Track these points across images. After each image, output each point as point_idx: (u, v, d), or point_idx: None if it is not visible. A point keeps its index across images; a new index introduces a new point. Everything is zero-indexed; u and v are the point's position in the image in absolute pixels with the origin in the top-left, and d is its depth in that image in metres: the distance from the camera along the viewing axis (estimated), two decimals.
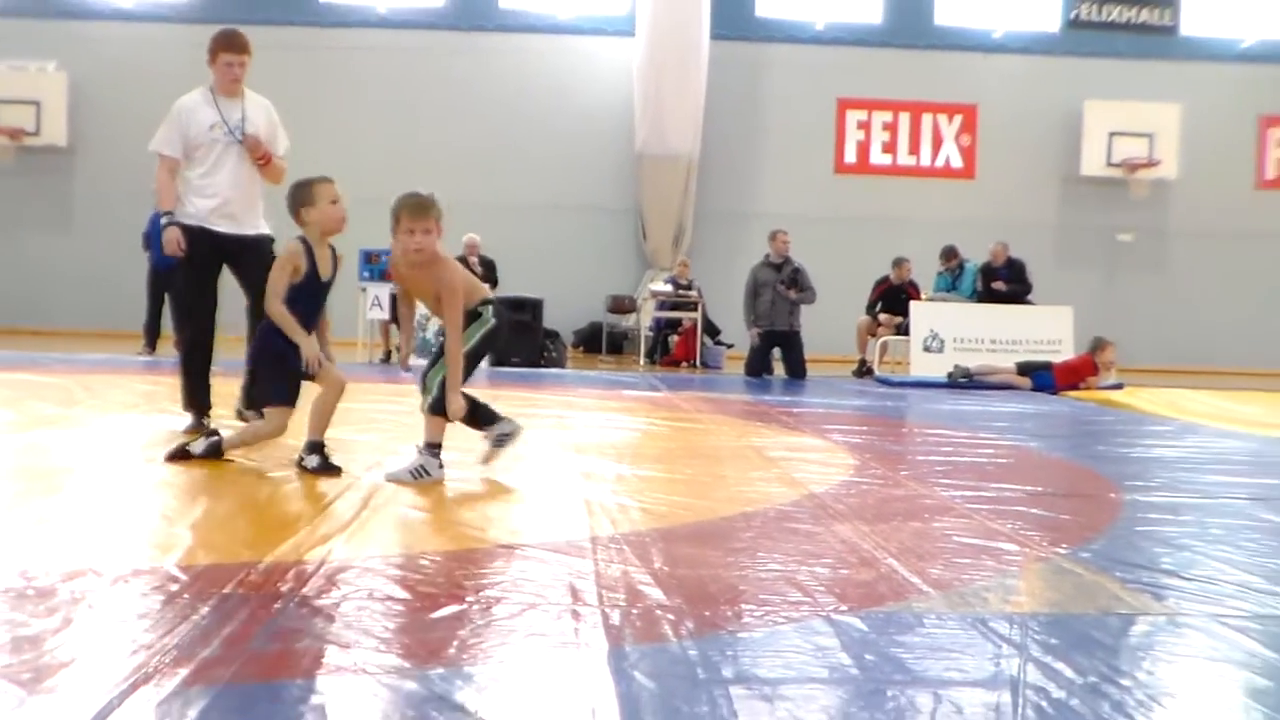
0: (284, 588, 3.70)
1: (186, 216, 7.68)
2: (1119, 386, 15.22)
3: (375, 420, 8.71)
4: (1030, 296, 18.00)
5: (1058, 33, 22.19)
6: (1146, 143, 21.58)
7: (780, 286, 16.25)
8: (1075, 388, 14.98)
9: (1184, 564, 4.68)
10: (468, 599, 3.68)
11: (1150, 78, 21.93)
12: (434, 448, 6.15)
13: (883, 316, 17.48)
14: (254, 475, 6.12)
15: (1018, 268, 18.07)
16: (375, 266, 16.50)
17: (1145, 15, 22.08)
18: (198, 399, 7.81)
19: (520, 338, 15.82)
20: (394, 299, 8.68)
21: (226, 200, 7.73)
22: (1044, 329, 17.13)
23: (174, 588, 3.66)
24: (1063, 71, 21.95)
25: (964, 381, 15.39)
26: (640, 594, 3.78)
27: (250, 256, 7.67)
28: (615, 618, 3.48)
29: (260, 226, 7.91)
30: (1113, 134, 21.60)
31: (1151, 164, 21.56)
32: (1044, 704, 2.86)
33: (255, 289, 7.25)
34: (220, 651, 3.00)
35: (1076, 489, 6.83)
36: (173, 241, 7.63)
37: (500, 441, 6.56)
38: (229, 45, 7.78)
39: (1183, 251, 22.34)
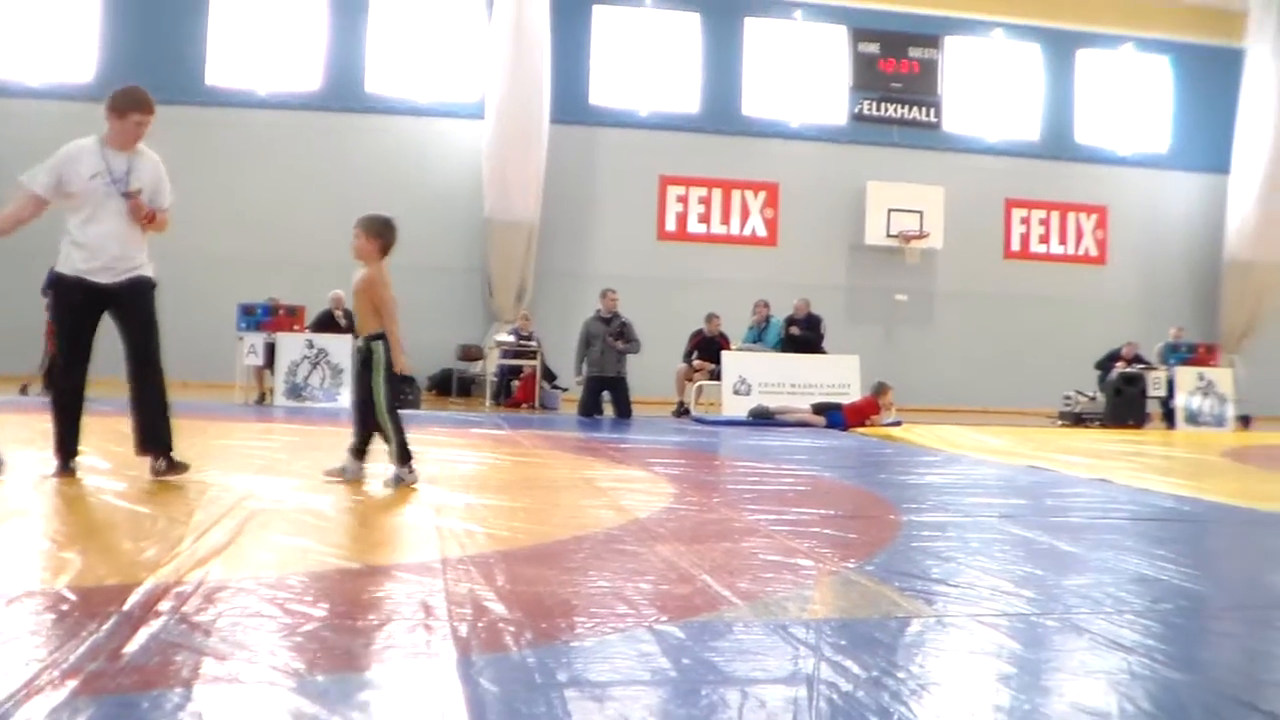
0: (165, 606, 3.56)
1: (65, 266, 6.83)
2: (898, 423, 15.45)
3: (250, 456, 8.49)
4: (824, 346, 18.27)
5: (845, 124, 22.65)
6: (918, 218, 22.07)
7: (609, 338, 16.27)
8: (862, 425, 15.17)
9: (950, 573, 4.74)
10: (332, 615, 3.59)
11: (920, 164, 22.48)
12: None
13: (698, 364, 17.57)
14: (136, 501, 5.91)
15: (814, 320, 18.37)
16: (252, 318, 16.20)
17: (915, 113, 22.68)
18: (67, 444, 6.90)
19: None
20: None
21: (104, 251, 6.78)
22: (835, 374, 17.37)
23: (64, 608, 3.51)
24: (849, 157, 22.39)
25: (765, 420, 15.52)
26: (485, 609, 3.71)
27: (129, 300, 6.88)
28: (463, 630, 3.41)
29: (142, 269, 6.98)
30: (890, 210, 22.05)
31: (922, 236, 22.04)
32: (834, 696, 2.87)
33: (136, 333, 6.87)
34: (106, 665, 2.88)
35: (863, 511, 6.89)
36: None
37: (396, 482, 6.89)
38: (143, 106, 6.97)
39: (947, 309, 22.87)
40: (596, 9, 22.14)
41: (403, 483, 6.90)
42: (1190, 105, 23.89)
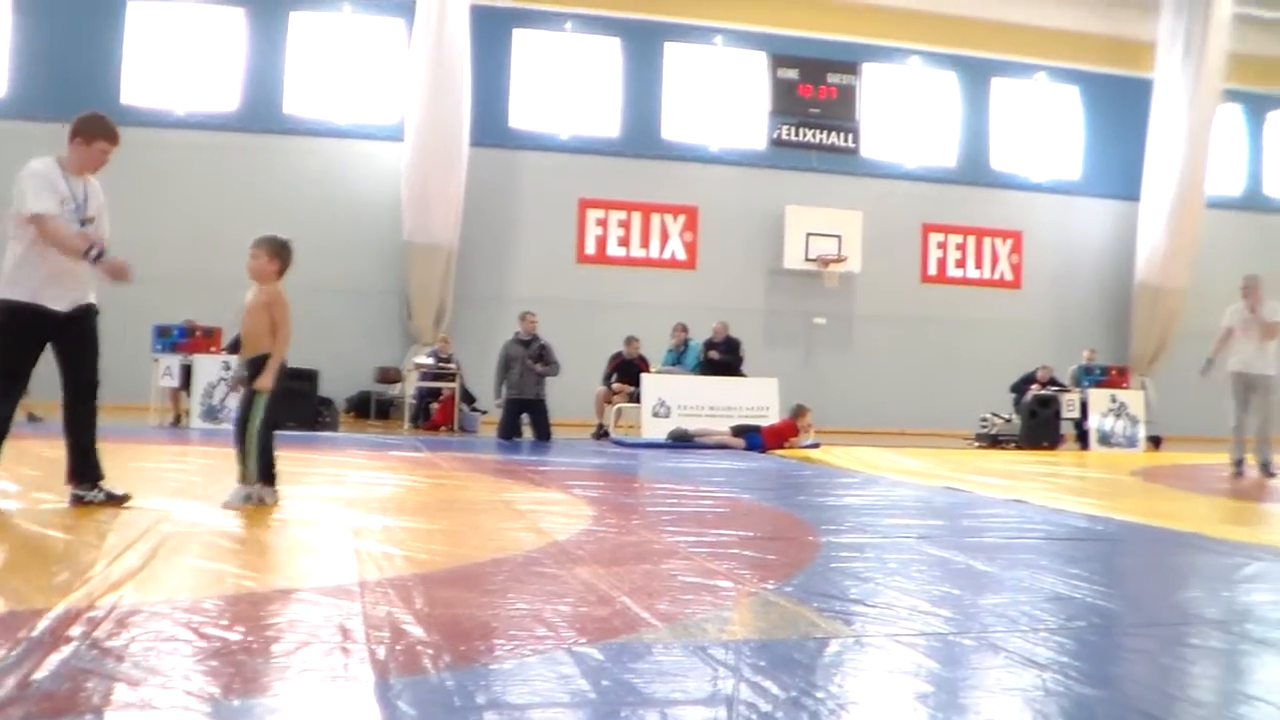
0: (76, 631, 3.50)
1: (17, 293, 6.51)
2: (816, 445, 15.54)
3: (165, 479, 8.36)
4: (743, 369, 18.36)
5: (764, 149, 22.83)
6: (836, 242, 22.27)
7: (528, 361, 16.23)
8: (781, 447, 15.24)
9: (868, 594, 4.78)
10: (247, 639, 3.54)
11: (838, 189, 22.71)
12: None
13: (617, 386, 17.58)
14: (48, 526, 5.80)
15: (733, 344, 18.47)
16: (168, 340, 15.96)
17: (833, 139, 22.93)
18: None
19: (298, 404, 15.40)
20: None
21: (67, 277, 6.61)
22: (754, 397, 17.46)
23: None
24: (768, 181, 22.56)
25: (684, 442, 15.56)
26: (403, 632, 3.69)
27: (79, 328, 6.71)
28: (381, 653, 3.38)
29: (89, 297, 6.80)
30: (809, 234, 22.24)
31: (840, 260, 22.24)
32: (754, 717, 2.88)
33: (82, 362, 6.72)
34: (16, 693, 2.82)
35: (782, 533, 6.92)
36: (121, 269, 6.63)
37: (244, 501, 6.83)
38: (111, 135, 6.79)
39: (865, 332, 23.10)
40: (517, 32, 22.15)
41: (257, 502, 6.87)
42: (1101, 133, 24.36)
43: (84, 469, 6.70)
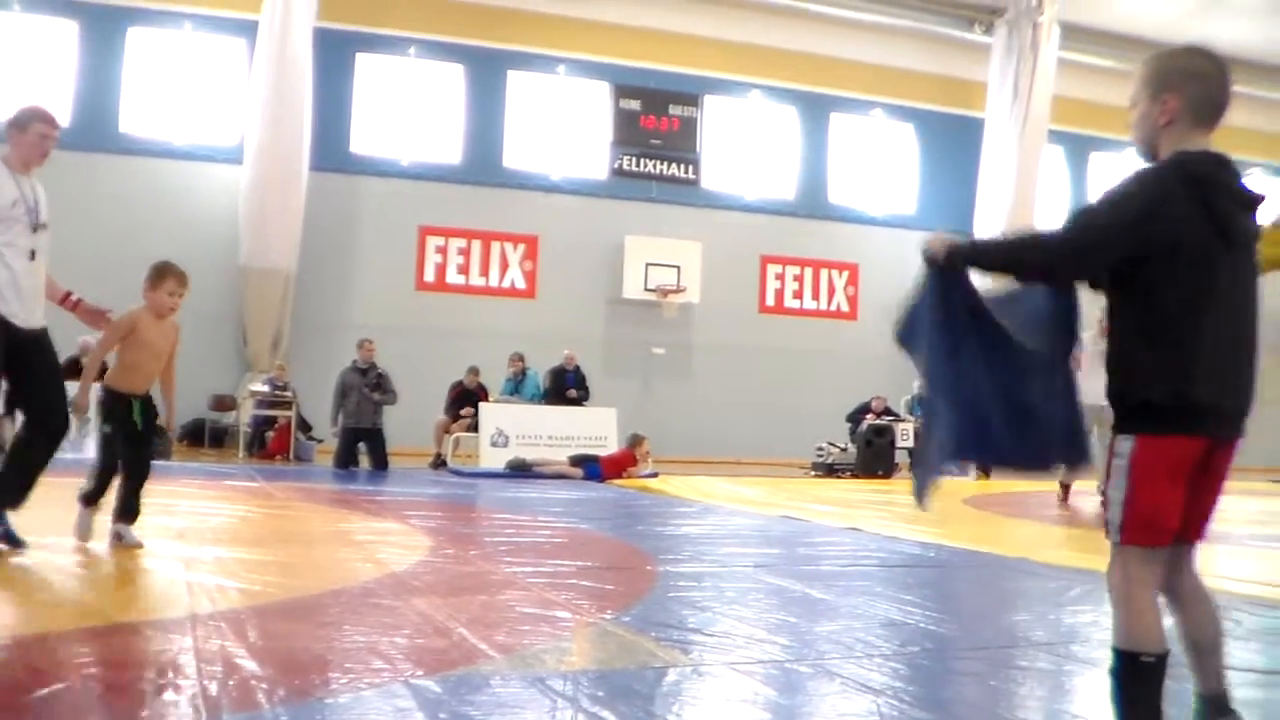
0: None
1: None
2: (654, 475, 15.63)
3: None
4: (584, 401, 18.45)
5: (605, 179, 22.97)
6: (675, 273, 22.49)
7: (366, 389, 16.04)
8: (619, 476, 15.29)
9: (706, 623, 4.84)
10: (76, 675, 3.44)
11: (678, 220, 22.94)
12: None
13: (466, 412, 17.48)
14: None
15: (581, 375, 18.59)
16: None
17: (674, 170, 23.18)
18: None
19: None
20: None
21: (33, 290, 6.12)
22: (593, 427, 17.51)
23: None
24: (609, 211, 22.70)
25: (523, 472, 15.53)
26: (236, 666, 3.63)
27: (39, 348, 6.18)
28: (213, 689, 3.33)
29: (43, 318, 6.27)
30: (649, 264, 22.41)
31: (679, 290, 22.46)
32: None
33: (38, 382, 6.19)
34: None
35: (620, 563, 6.96)
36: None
37: (120, 538, 6.55)
38: (47, 118, 6.30)
39: (704, 362, 23.35)
40: (360, 56, 21.94)
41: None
42: (935, 169, 25.06)
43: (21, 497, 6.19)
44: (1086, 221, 2.94)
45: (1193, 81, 2.99)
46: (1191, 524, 3.08)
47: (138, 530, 6.62)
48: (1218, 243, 2.88)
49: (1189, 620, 3.13)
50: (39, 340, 6.21)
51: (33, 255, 6.16)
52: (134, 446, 6.83)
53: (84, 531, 6.59)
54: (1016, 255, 3.14)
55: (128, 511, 6.64)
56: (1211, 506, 3.11)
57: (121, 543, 6.49)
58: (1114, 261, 2.92)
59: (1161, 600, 3.03)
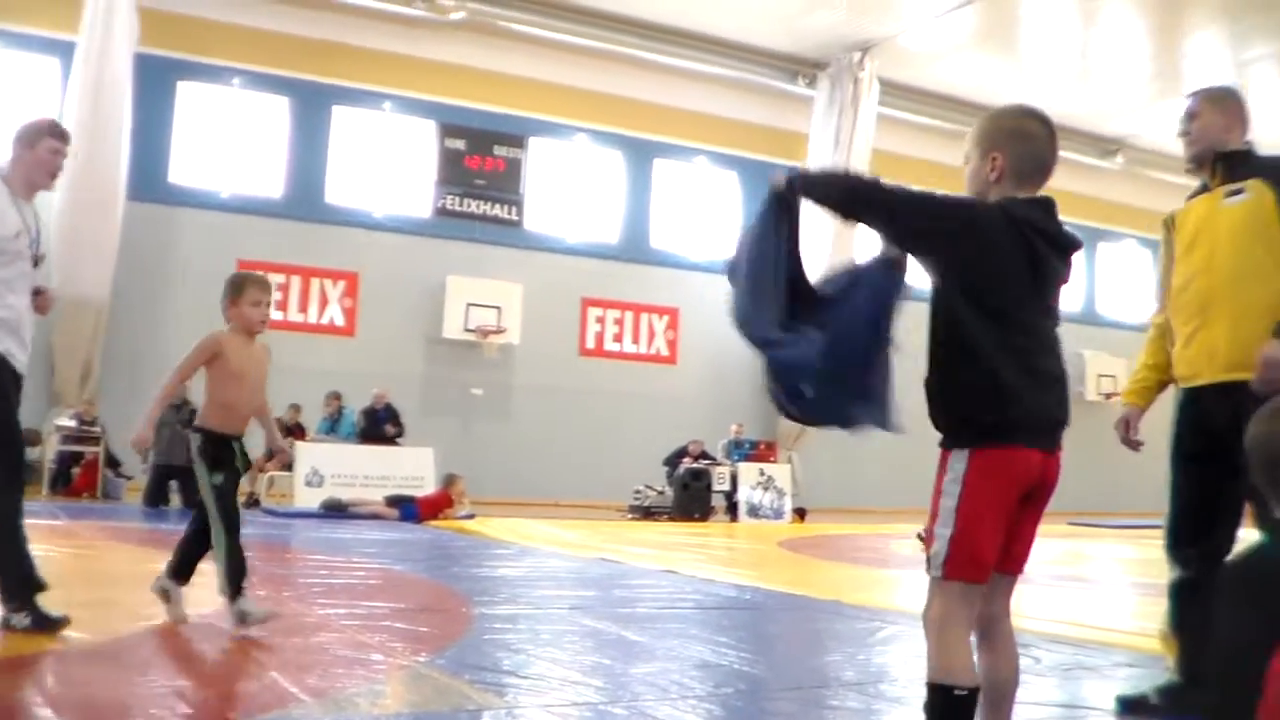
0: None
1: None
2: (471, 516, 15.56)
3: None
4: (400, 438, 18.27)
5: (428, 218, 22.81)
6: (496, 313, 22.42)
7: (179, 425, 15.62)
8: (436, 517, 15.18)
9: (521, 665, 4.83)
10: None
11: (500, 261, 22.89)
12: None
13: (289, 441, 17.11)
14: None
15: (394, 411, 18.41)
16: None
17: (498, 210, 23.16)
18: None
19: None
20: None
21: (26, 328, 5.45)
22: (409, 467, 17.34)
23: None
24: (431, 250, 22.53)
25: (338, 512, 15.30)
26: (32, 715, 3.48)
27: (18, 389, 5.50)
28: None
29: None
30: (469, 304, 22.29)
31: (499, 331, 22.41)
32: None
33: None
34: None
35: (435, 605, 6.90)
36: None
37: (245, 617, 5.47)
38: (60, 132, 5.55)
39: (523, 403, 23.29)
40: (182, 85, 21.42)
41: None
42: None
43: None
44: (930, 194, 3.14)
45: (1020, 140, 3.21)
46: (1011, 555, 3.21)
47: None
48: (1030, 278, 3.11)
49: (993, 660, 3.23)
50: (19, 384, 5.55)
51: (37, 292, 5.56)
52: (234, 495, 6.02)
53: (180, 613, 5.76)
54: (860, 191, 3.26)
55: (239, 574, 5.66)
56: (1031, 537, 3.25)
57: (249, 621, 5.45)
58: (941, 240, 3.10)
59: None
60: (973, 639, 3.14)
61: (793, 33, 22.18)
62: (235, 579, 5.55)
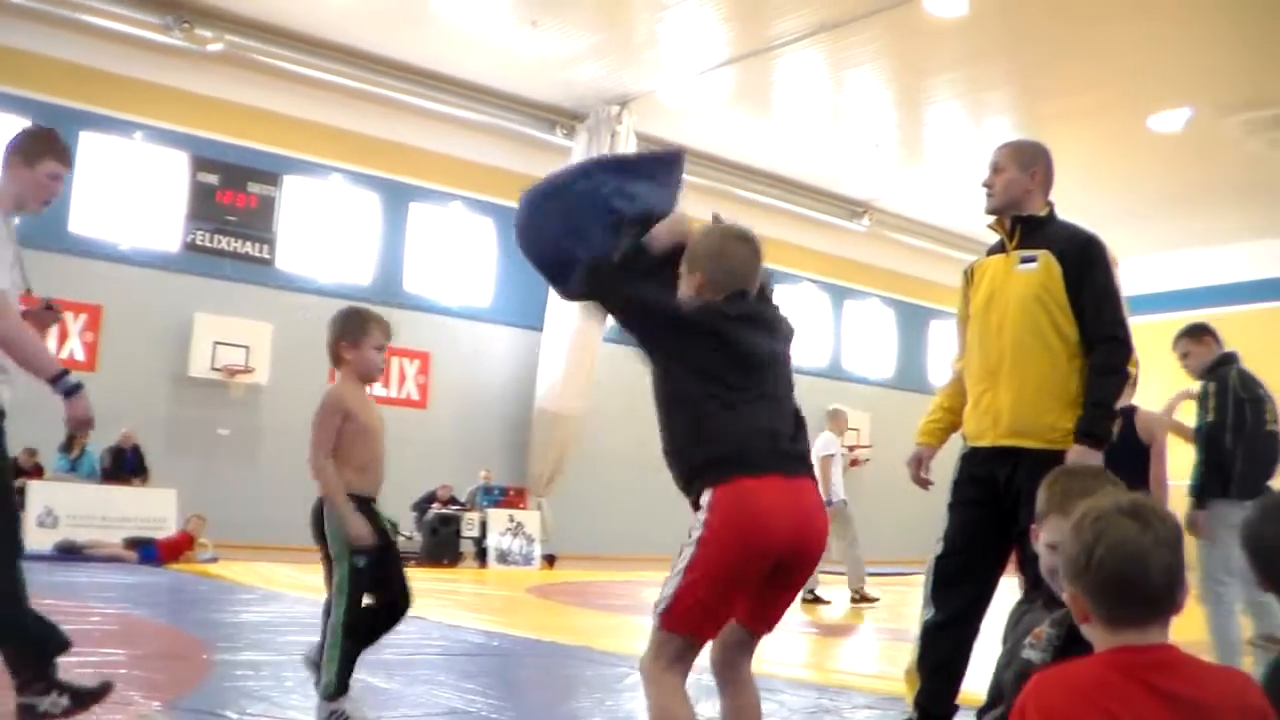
0: None
1: None
2: (215, 559, 15.15)
3: None
4: (142, 478, 17.69)
5: (177, 252, 22.08)
6: (244, 353, 21.87)
7: None
8: (177, 560, 14.74)
9: (263, 711, 4.74)
10: None
11: (250, 300, 22.30)
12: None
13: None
14: None
15: (139, 453, 17.83)
16: None
17: (249, 248, 22.58)
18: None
19: None
20: None
21: (12, 372, 4.72)
22: (151, 508, 16.81)
23: None
24: (179, 285, 21.80)
25: (73, 554, 14.66)
26: None
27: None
28: None
29: None
30: (217, 343, 21.68)
31: (247, 371, 21.85)
32: None
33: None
34: None
35: (174, 651, 6.69)
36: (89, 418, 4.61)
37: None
38: (63, 154, 4.72)
39: (271, 445, 22.67)
40: None
41: None
42: (511, 264, 25.44)
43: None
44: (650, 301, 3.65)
45: (714, 260, 3.59)
46: (762, 617, 3.34)
47: None
48: (733, 358, 3.43)
49: (736, 705, 3.35)
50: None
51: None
52: (394, 563, 5.37)
53: None
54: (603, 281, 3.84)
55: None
56: (785, 606, 3.38)
57: None
58: (654, 335, 3.57)
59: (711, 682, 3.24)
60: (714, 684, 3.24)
61: (553, 83, 22.44)
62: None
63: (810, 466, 3.48)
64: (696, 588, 3.14)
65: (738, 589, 3.21)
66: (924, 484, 5.04)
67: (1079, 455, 4.30)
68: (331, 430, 4.99)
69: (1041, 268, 4.57)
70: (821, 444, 13.47)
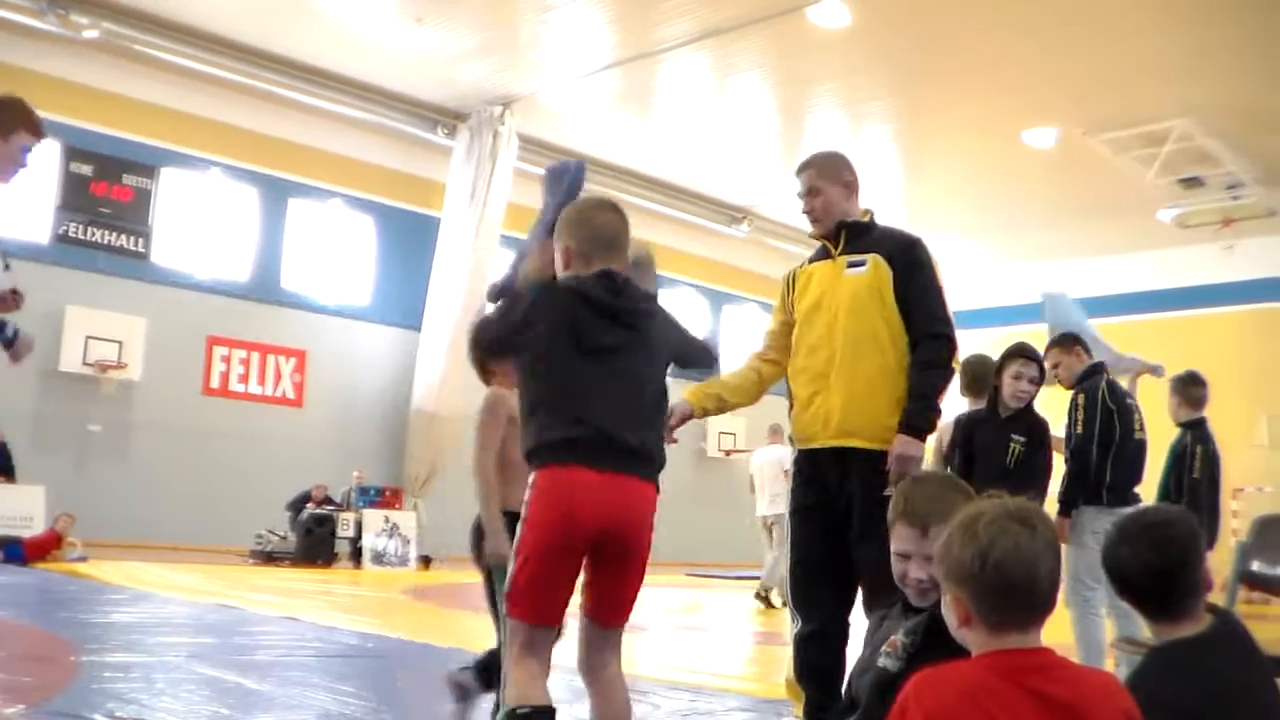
0: None
1: None
2: (84, 559, 14.82)
3: None
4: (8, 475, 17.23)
5: (48, 244, 21.50)
6: (117, 348, 21.38)
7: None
8: (44, 559, 14.40)
9: (133, 714, 4.64)
10: None
11: (123, 294, 21.80)
12: None
13: None
14: None
15: (6, 450, 17.36)
16: None
17: (124, 241, 22.07)
18: None
19: None
20: None
21: None
22: (18, 506, 16.38)
23: None
24: (49, 277, 21.17)
25: None
26: None
27: None
28: None
29: None
30: (89, 338, 21.17)
31: (120, 366, 21.37)
32: None
33: None
34: None
35: (39, 652, 6.53)
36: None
37: None
38: (36, 126, 4.62)
39: (144, 442, 22.21)
40: None
41: None
42: (391, 264, 25.29)
43: None
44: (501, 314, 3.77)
45: (579, 228, 3.70)
46: (607, 607, 3.38)
47: None
48: (573, 340, 3.51)
49: (604, 706, 3.37)
50: None
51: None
52: None
53: None
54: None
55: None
56: (629, 593, 3.42)
57: None
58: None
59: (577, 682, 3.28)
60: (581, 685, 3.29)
61: (436, 82, 22.30)
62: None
63: (642, 459, 3.52)
64: (526, 567, 3.29)
65: (561, 569, 3.33)
66: (669, 438, 4.35)
67: (903, 446, 4.43)
68: (496, 434, 4.62)
69: (871, 270, 4.68)
70: (777, 457, 13.40)
